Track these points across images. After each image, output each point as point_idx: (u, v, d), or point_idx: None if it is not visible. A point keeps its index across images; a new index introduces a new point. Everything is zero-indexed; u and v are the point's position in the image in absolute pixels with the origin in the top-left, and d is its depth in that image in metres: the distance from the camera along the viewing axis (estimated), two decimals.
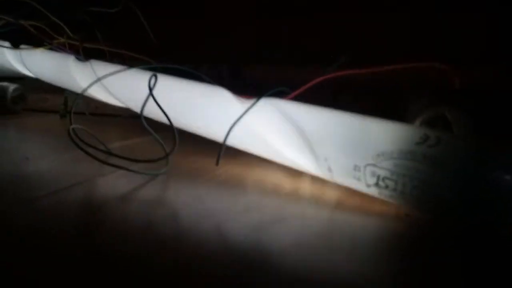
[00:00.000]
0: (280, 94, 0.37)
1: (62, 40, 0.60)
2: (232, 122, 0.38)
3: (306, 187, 0.38)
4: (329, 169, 0.34)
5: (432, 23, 0.53)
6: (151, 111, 0.42)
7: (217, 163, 0.38)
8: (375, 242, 0.28)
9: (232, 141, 0.40)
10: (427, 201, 0.30)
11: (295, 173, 0.40)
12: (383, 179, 0.31)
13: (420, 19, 0.54)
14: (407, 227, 0.31)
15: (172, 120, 0.41)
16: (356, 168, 0.32)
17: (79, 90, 0.52)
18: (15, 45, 0.66)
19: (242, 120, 0.38)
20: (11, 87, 0.74)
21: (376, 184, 0.31)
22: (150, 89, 0.40)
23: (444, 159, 0.28)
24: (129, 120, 0.69)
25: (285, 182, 0.39)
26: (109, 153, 0.43)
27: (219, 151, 0.39)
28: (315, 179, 0.39)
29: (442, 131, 0.33)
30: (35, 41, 0.62)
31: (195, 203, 0.34)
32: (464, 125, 0.36)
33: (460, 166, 0.28)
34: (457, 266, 0.26)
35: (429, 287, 0.24)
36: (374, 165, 0.31)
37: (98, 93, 0.57)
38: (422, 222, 0.32)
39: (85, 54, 0.57)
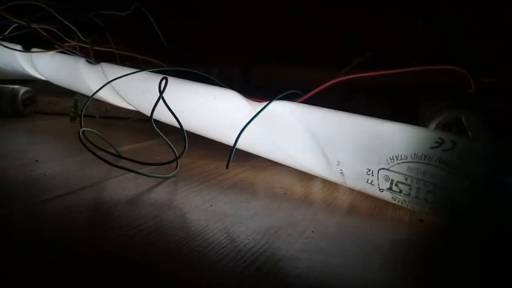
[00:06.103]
0: (292, 96, 0.37)
1: (73, 43, 0.60)
2: (242, 125, 0.37)
3: (317, 191, 0.38)
4: (341, 173, 0.33)
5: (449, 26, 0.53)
6: (162, 114, 0.42)
7: (227, 167, 0.38)
8: (388, 248, 0.27)
9: (243, 144, 0.40)
10: (442, 206, 0.29)
11: (306, 176, 0.40)
12: (397, 183, 0.30)
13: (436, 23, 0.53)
14: (421, 232, 0.30)
15: (182, 123, 0.41)
16: (369, 172, 0.31)
17: (89, 93, 0.52)
18: (27, 48, 0.67)
19: (253, 123, 0.37)
20: (22, 90, 0.74)
21: (390, 189, 0.31)
22: (161, 92, 0.40)
23: (459, 163, 0.27)
24: (139, 123, 0.69)
25: (296, 186, 0.39)
26: (119, 156, 0.43)
27: (229, 154, 0.38)
28: (327, 183, 0.39)
29: (458, 135, 0.32)
30: (46, 44, 0.62)
31: (205, 206, 0.33)
32: (479, 129, 0.35)
33: (475, 171, 0.27)
34: (473, 273, 0.25)
35: None
36: (387, 169, 0.30)
37: (108, 96, 0.57)
38: (437, 227, 0.31)
39: (96, 57, 0.57)
